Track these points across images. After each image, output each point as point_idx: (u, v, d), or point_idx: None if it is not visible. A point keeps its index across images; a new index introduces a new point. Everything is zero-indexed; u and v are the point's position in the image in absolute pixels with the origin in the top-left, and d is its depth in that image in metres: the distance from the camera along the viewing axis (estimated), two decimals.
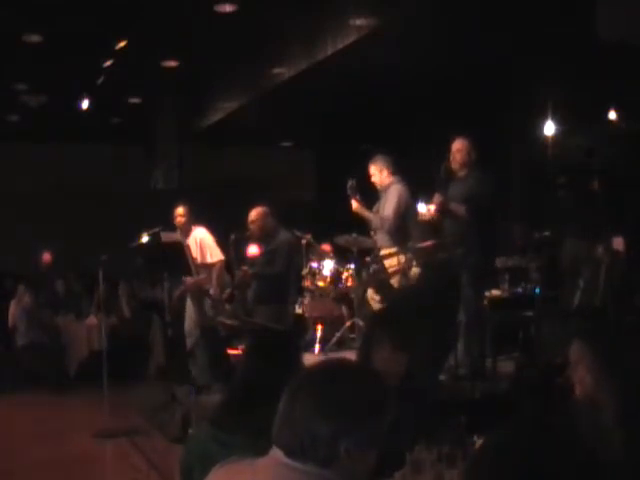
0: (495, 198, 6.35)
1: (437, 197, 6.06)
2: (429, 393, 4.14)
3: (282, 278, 7.01)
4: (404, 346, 3.03)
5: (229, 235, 7.19)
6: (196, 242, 7.32)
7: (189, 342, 7.43)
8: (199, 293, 7.32)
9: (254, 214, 7.08)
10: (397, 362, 3.01)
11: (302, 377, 1.69)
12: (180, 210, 7.42)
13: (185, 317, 7.57)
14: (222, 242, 7.39)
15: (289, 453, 1.58)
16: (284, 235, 7.15)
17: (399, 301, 5.74)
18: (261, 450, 1.67)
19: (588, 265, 7.02)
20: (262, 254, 7.15)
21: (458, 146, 6.16)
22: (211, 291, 7.23)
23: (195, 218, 7.47)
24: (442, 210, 5.96)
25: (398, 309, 5.21)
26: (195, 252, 7.27)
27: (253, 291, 7.17)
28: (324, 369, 1.76)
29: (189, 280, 7.28)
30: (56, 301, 9.74)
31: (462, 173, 6.18)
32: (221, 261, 7.34)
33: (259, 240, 7.15)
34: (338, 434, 1.56)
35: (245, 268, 7.08)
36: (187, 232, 7.39)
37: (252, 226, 7.06)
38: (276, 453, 1.61)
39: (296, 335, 6.51)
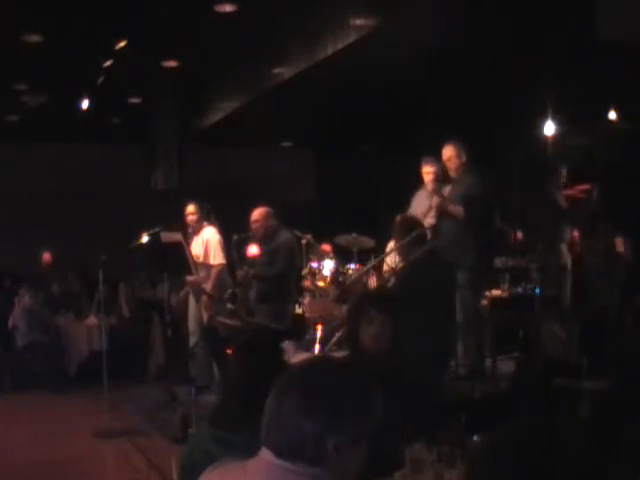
0: (492, 198, 6.37)
1: (435, 199, 6.08)
2: (430, 392, 4.15)
3: (283, 278, 7.02)
4: (392, 322, 3.06)
5: (229, 235, 7.21)
6: (203, 241, 7.35)
7: (192, 341, 7.45)
8: (199, 292, 7.33)
9: (257, 214, 7.09)
10: (385, 338, 3.05)
11: (288, 376, 1.68)
12: (191, 208, 7.46)
13: (189, 317, 7.58)
14: (222, 242, 7.41)
15: (278, 453, 1.57)
16: (285, 235, 7.16)
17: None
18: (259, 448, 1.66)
19: (550, 267, 7.08)
20: (263, 254, 7.16)
21: (447, 154, 6.21)
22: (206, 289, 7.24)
23: (206, 217, 7.49)
24: (440, 212, 5.98)
25: (390, 293, 5.21)
26: (200, 250, 7.29)
27: (255, 291, 7.18)
28: (310, 367, 1.75)
29: (190, 278, 7.30)
30: (56, 301, 9.73)
31: (458, 174, 6.22)
32: (222, 265, 7.34)
33: (261, 240, 7.16)
34: (326, 432, 1.55)
35: (246, 268, 7.09)
36: (198, 230, 7.42)
37: (254, 226, 7.07)
38: (265, 453, 1.60)
39: (283, 333, 6.52)
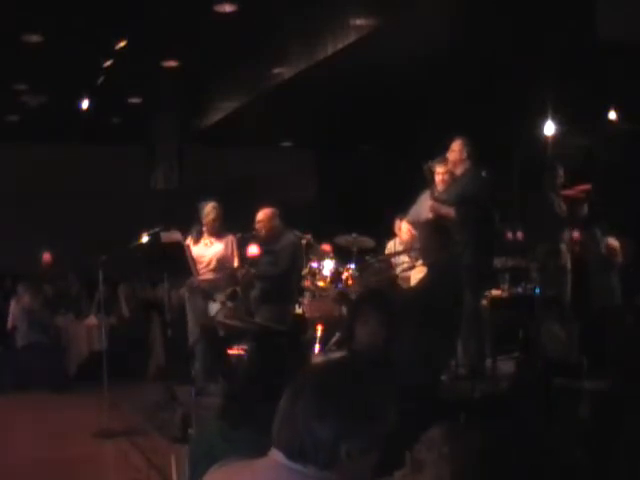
0: (492, 198, 6.36)
1: (431, 203, 6.09)
2: (430, 391, 4.15)
3: (286, 278, 7.01)
4: (389, 322, 3.08)
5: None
6: (230, 245, 7.26)
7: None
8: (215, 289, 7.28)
9: (262, 215, 7.06)
10: (381, 336, 3.07)
11: (303, 378, 1.65)
12: (214, 211, 7.22)
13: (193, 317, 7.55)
14: None
15: (289, 455, 1.55)
16: (289, 237, 7.14)
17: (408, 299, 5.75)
18: (266, 447, 1.64)
19: (549, 267, 7.08)
20: (265, 254, 7.15)
21: (452, 147, 6.21)
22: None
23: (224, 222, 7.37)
24: (435, 214, 5.99)
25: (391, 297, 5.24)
26: (224, 251, 7.22)
27: (258, 291, 7.16)
28: (326, 370, 1.72)
29: (198, 280, 7.26)
30: (56, 301, 9.73)
31: (458, 172, 6.21)
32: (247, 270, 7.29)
33: (264, 240, 7.14)
34: (340, 437, 1.53)
35: (247, 267, 7.08)
36: (218, 233, 7.27)
37: (259, 226, 7.04)
38: (276, 454, 1.58)
39: (298, 335, 6.53)
